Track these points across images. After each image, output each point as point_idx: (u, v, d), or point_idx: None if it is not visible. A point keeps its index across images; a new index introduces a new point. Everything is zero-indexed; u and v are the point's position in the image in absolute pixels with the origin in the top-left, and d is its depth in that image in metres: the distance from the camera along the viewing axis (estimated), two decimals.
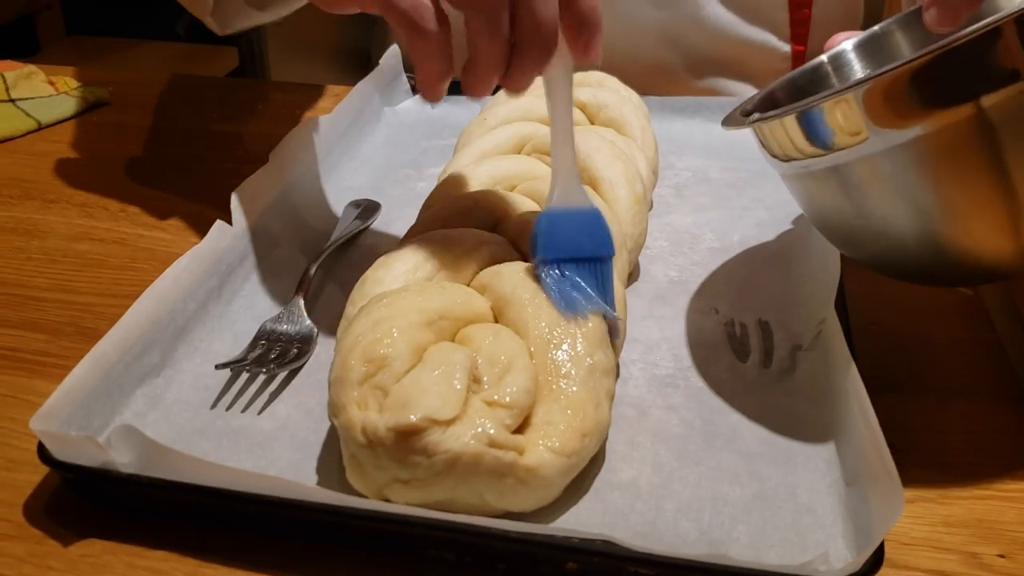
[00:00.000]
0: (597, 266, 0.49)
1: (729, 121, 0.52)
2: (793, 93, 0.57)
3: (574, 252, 0.49)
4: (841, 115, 0.44)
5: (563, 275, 0.48)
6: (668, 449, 0.47)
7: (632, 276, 0.62)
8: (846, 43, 0.59)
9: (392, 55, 0.88)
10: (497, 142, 0.66)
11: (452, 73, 0.48)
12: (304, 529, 0.42)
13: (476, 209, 0.56)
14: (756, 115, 0.49)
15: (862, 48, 0.59)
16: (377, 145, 0.81)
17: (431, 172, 0.75)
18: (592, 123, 0.71)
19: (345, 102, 0.78)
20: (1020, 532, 0.44)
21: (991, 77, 0.40)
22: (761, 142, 0.50)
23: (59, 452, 0.43)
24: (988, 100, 0.41)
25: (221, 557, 0.42)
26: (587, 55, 0.48)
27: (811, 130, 0.46)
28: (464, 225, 0.56)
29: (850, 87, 0.43)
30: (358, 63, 1.04)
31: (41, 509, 0.44)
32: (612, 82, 0.75)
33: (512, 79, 0.47)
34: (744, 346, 0.55)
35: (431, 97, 0.48)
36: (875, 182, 0.45)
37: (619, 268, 0.55)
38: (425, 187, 0.72)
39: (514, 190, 0.60)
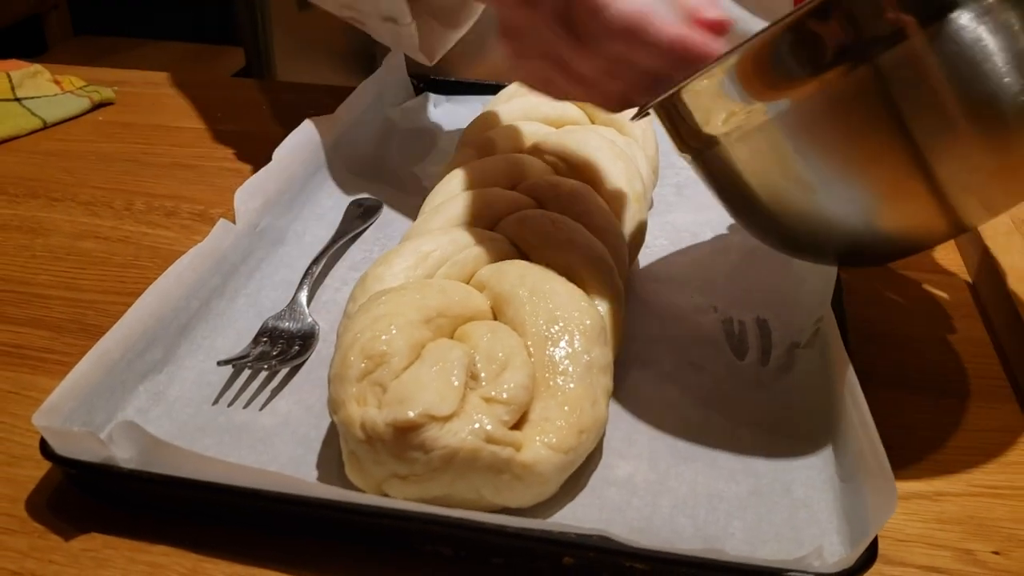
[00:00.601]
0: None
1: (635, 115, 0.51)
2: None
3: None
4: (720, 89, 0.43)
5: None
6: (665, 446, 0.48)
7: (632, 274, 0.62)
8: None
9: (395, 55, 0.88)
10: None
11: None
12: (303, 524, 0.43)
13: (477, 207, 0.57)
14: (641, 106, 0.49)
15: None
16: (380, 144, 0.81)
17: (433, 171, 0.76)
18: (593, 122, 0.71)
19: (348, 102, 0.79)
20: (1014, 529, 0.44)
21: (874, 31, 0.39)
22: (666, 130, 0.49)
23: (61, 447, 0.43)
24: (874, 53, 0.39)
25: (221, 552, 0.42)
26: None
27: (697, 109, 0.45)
28: (466, 223, 0.56)
29: (726, 55, 0.42)
30: (363, 63, 1.04)
31: (43, 504, 0.45)
32: None
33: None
34: (742, 344, 0.55)
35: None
36: (772, 155, 0.44)
37: (619, 265, 0.55)
38: (427, 185, 0.72)
39: (515, 189, 0.61)
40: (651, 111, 0.49)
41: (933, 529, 0.44)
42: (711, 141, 0.46)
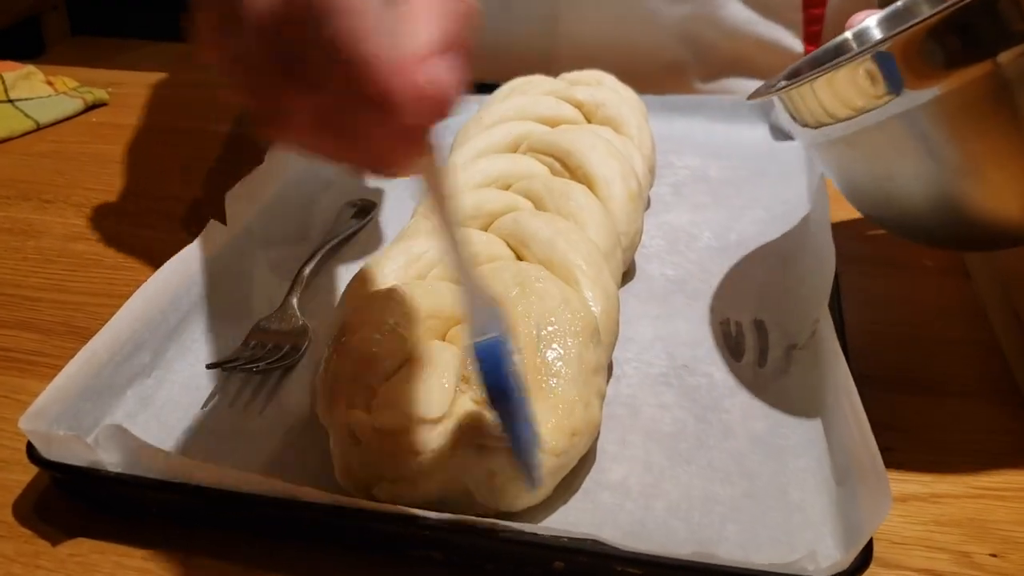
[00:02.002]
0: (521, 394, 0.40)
1: (756, 94, 0.52)
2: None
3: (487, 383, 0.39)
4: (863, 76, 0.44)
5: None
6: (659, 448, 0.47)
7: (628, 275, 0.61)
8: (869, 20, 0.58)
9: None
10: (492, 141, 0.66)
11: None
12: (292, 527, 0.42)
13: (471, 208, 0.56)
14: (783, 83, 0.49)
15: (887, 23, 0.58)
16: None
17: None
18: (589, 121, 0.70)
19: None
20: (1012, 531, 0.44)
21: (1007, 34, 0.40)
22: (789, 112, 0.50)
23: (47, 451, 0.43)
24: (1004, 57, 0.41)
25: (210, 556, 0.42)
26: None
27: (836, 94, 0.46)
28: (460, 225, 0.56)
29: (872, 46, 0.43)
30: None
31: (30, 509, 0.45)
32: (610, 80, 0.75)
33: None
34: (739, 345, 0.55)
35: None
36: (902, 143, 0.45)
37: (613, 267, 0.54)
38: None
39: (509, 189, 0.60)
40: (781, 99, 0.49)
41: (931, 531, 0.44)
42: (841, 127, 0.47)
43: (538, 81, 0.74)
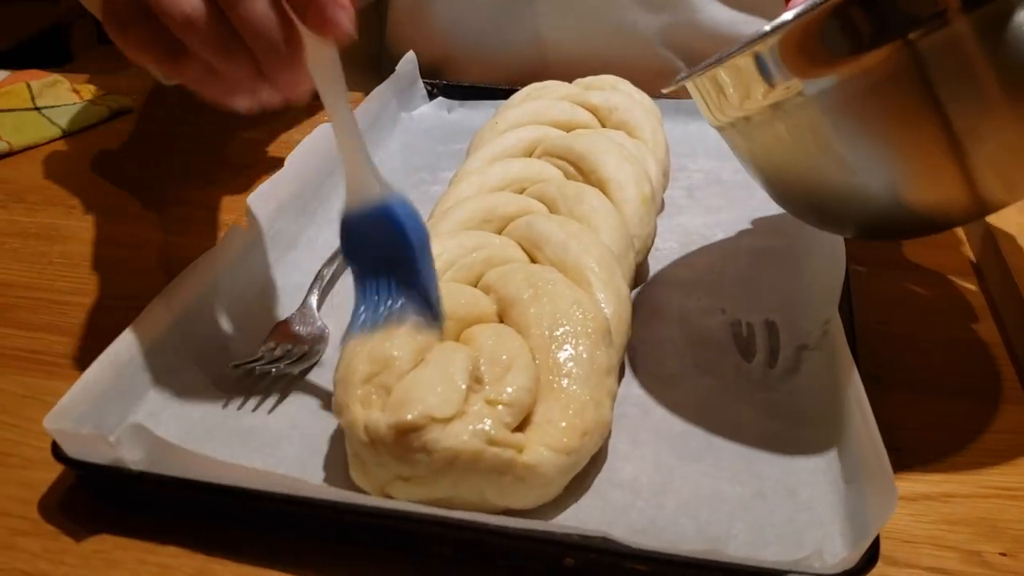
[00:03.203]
0: (419, 257, 0.47)
1: (669, 84, 0.52)
2: None
3: (380, 255, 0.47)
4: (765, 63, 0.44)
5: (376, 289, 0.47)
6: (670, 447, 0.48)
7: (641, 277, 0.62)
8: (789, 12, 0.59)
9: (409, 61, 0.89)
10: (507, 145, 0.66)
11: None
12: (308, 525, 0.43)
13: (486, 211, 0.57)
14: (683, 73, 0.49)
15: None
16: (393, 150, 0.82)
17: (445, 176, 0.76)
18: (604, 126, 0.71)
19: (362, 107, 0.79)
20: (1023, 530, 0.44)
21: (914, 13, 0.40)
22: (698, 99, 0.50)
23: (72, 450, 0.44)
24: (914, 36, 0.40)
25: (229, 552, 0.43)
26: (325, 29, 0.42)
27: (738, 82, 0.46)
28: (474, 227, 0.57)
29: (772, 31, 0.43)
30: (374, 67, 1.05)
31: (56, 506, 0.46)
32: (624, 85, 0.75)
33: (275, 87, 0.44)
34: (750, 346, 0.55)
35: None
36: (811, 131, 0.44)
37: (626, 269, 0.55)
38: (439, 191, 0.72)
39: (523, 193, 0.61)
40: (691, 87, 0.50)
41: (941, 530, 0.44)
42: (747, 115, 0.47)
43: (553, 86, 0.75)
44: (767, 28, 0.48)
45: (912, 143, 0.42)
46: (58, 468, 0.47)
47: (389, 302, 0.46)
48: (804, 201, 0.50)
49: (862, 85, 0.42)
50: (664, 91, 0.52)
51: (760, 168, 0.51)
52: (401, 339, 0.44)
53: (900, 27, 0.40)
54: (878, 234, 0.51)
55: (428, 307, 0.46)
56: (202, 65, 0.43)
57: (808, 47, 0.42)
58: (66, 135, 0.87)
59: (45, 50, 2.33)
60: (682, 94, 0.75)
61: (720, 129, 0.51)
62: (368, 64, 1.06)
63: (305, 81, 0.44)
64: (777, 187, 0.51)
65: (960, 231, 0.69)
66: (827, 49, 0.42)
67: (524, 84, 0.78)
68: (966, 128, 0.41)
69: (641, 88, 0.75)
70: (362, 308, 0.47)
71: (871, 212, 0.47)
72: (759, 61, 0.44)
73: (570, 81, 0.77)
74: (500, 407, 0.42)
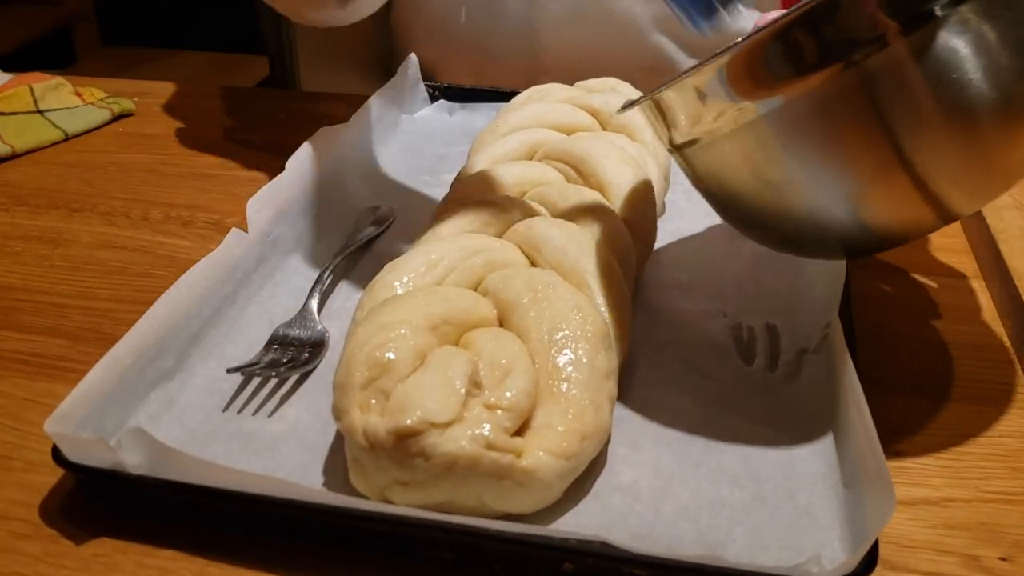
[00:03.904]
0: None
1: (624, 107, 0.52)
2: None
3: None
4: (711, 87, 0.44)
5: None
6: (669, 451, 0.48)
7: (640, 280, 0.62)
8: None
9: (411, 64, 0.89)
10: (508, 148, 0.67)
11: None
12: (308, 529, 0.43)
13: (486, 214, 0.57)
14: (629, 100, 0.50)
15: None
16: (394, 152, 0.82)
17: (446, 179, 0.76)
18: (604, 129, 0.71)
19: (363, 110, 0.79)
20: (1023, 535, 0.44)
21: (855, 37, 0.41)
22: (649, 121, 0.51)
23: (72, 454, 0.44)
24: (857, 58, 0.41)
25: (228, 556, 0.43)
26: None
27: (686, 105, 0.46)
28: (475, 230, 0.57)
29: (719, 55, 0.43)
30: (387, 72, 1.05)
31: (56, 509, 0.46)
32: (624, 87, 0.75)
33: None
34: (751, 350, 0.55)
35: None
36: (761, 152, 0.45)
37: (626, 272, 0.55)
38: (440, 193, 0.72)
39: (524, 195, 0.61)
40: (643, 110, 0.50)
41: (940, 535, 0.44)
42: (698, 138, 0.47)
43: (554, 89, 0.75)
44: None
45: (863, 161, 0.43)
46: (59, 472, 0.47)
47: None
48: (759, 224, 0.50)
49: (810, 105, 0.42)
50: (617, 112, 0.53)
51: (711, 192, 0.51)
52: (399, 343, 0.45)
53: (844, 49, 0.41)
54: (843, 252, 0.51)
55: None
56: None
57: (756, 69, 0.43)
58: (68, 138, 0.87)
59: (48, 52, 2.34)
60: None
61: (673, 152, 0.50)
62: (376, 67, 1.06)
63: None
64: (731, 210, 0.51)
65: (961, 234, 0.69)
66: (774, 71, 0.42)
67: (517, 75, 0.78)
68: (913, 145, 0.42)
69: (636, 83, 0.76)
70: None
71: (827, 232, 0.47)
72: (707, 84, 0.44)
73: (565, 75, 0.77)
74: (499, 412, 0.42)
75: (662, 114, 0.48)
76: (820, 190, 0.45)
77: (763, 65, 0.43)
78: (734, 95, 0.44)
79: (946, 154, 0.42)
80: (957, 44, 0.40)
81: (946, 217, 0.45)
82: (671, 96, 0.46)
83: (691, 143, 0.48)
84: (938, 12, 0.40)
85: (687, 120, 0.47)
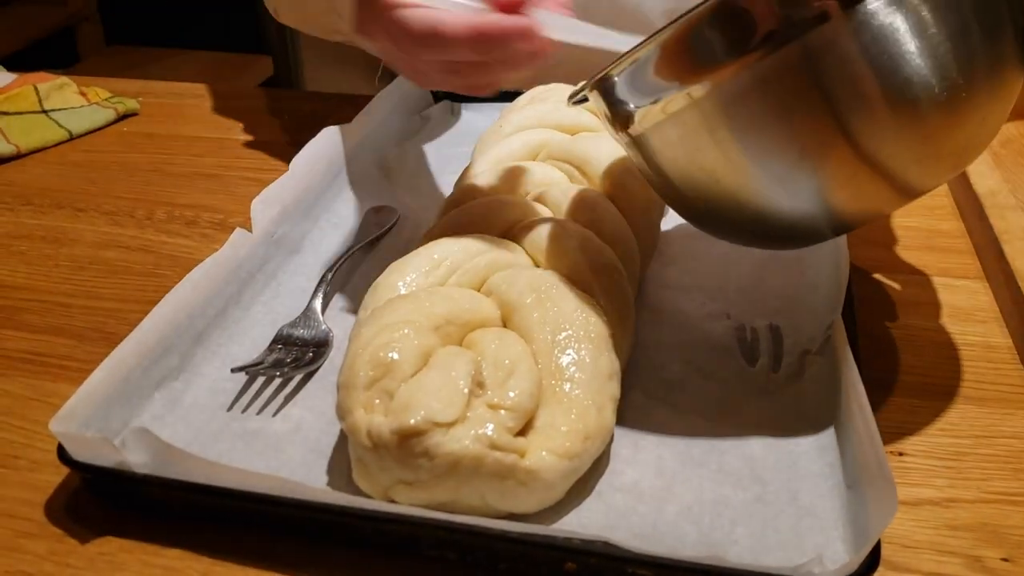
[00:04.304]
0: None
1: (572, 96, 0.53)
2: None
3: None
4: (647, 70, 0.44)
5: None
6: (672, 452, 0.48)
7: (644, 281, 0.62)
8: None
9: None
10: (511, 149, 0.67)
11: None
12: (312, 529, 0.43)
13: (490, 215, 0.57)
14: (580, 85, 0.50)
15: None
16: (397, 153, 0.82)
17: (450, 179, 0.76)
18: None
19: (367, 110, 0.80)
20: None
21: (798, 16, 0.40)
22: (595, 106, 0.50)
23: (77, 453, 0.44)
24: (799, 34, 0.40)
25: (233, 555, 0.43)
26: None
27: (623, 90, 0.46)
28: (478, 231, 0.57)
29: (648, 40, 0.43)
30: (390, 72, 1.05)
31: (61, 508, 0.46)
32: None
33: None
34: (754, 351, 0.55)
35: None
36: (697, 135, 0.44)
37: (629, 273, 0.55)
38: (443, 193, 0.73)
39: (528, 196, 0.61)
40: (589, 97, 0.49)
41: (943, 536, 0.44)
42: (642, 125, 0.46)
43: (558, 89, 0.75)
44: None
45: (809, 142, 0.42)
46: (64, 471, 0.47)
47: None
48: (702, 208, 0.49)
49: (752, 84, 0.41)
50: (568, 103, 0.55)
51: (656, 177, 0.49)
52: (403, 343, 0.45)
53: (784, 25, 0.40)
54: (801, 238, 0.50)
55: None
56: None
57: (695, 48, 0.42)
58: (73, 138, 0.87)
59: (53, 52, 2.34)
60: None
61: (625, 145, 0.50)
62: (380, 67, 1.06)
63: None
64: (676, 196, 0.50)
65: (965, 235, 0.69)
66: (713, 50, 0.42)
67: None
68: (857, 124, 0.41)
69: None
70: None
71: (793, 217, 0.46)
72: (646, 67, 0.44)
73: (571, 71, 0.77)
74: (502, 412, 0.43)
75: (605, 103, 0.48)
76: (769, 172, 0.44)
77: (703, 44, 0.42)
78: (673, 77, 0.43)
79: (891, 132, 0.41)
80: (895, 20, 0.40)
81: (907, 193, 0.45)
82: (610, 85, 0.46)
83: (637, 131, 0.47)
84: None
85: (629, 107, 0.46)
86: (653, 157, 0.48)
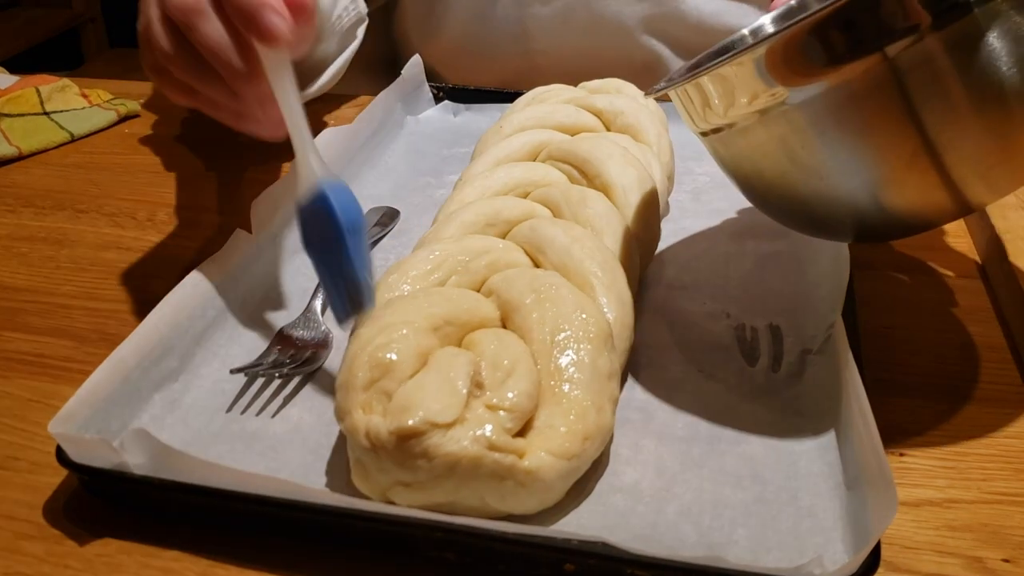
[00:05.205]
0: (344, 243, 0.50)
1: (651, 92, 0.54)
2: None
3: (320, 235, 0.51)
4: (748, 75, 0.45)
5: (322, 265, 0.51)
6: (672, 452, 0.48)
7: (644, 281, 0.62)
8: (765, 17, 0.61)
9: (415, 64, 0.89)
10: (511, 149, 0.67)
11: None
12: (311, 530, 0.43)
13: (490, 215, 0.57)
14: (663, 82, 0.51)
15: (781, 19, 0.60)
16: (398, 153, 0.82)
17: (450, 180, 0.76)
18: (608, 130, 0.71)
19: (367, 111, 0.80)
20: None
21: (891, 28, 0.42)
22: (680, 106, 0.51)
23: (76, 454, 0.44)
24: (892, 50, 0.42)
25: (231, 557, 0.43)
26: (266, 38, 0.49)
27: (719, 93, 0.47)
28: (478, 231, 0.57)
29: (757, 44, 0.44)
30: (393, 73, 1.05)
31: (60, 510, 0.46)
32: (629, 89, 0.75)
33: (246, 103, 0.53)
34: (754, 350, 0.55)
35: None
36: (792, 139, 0.46)
37: (629, 273, 0.55)
38: (444, 194, 0.72)
39: (527, 196, 0.61)
40: (675, 92, 0.51)
41: (943, 536, 0.44)
42: (732, 123, 0.48)
43: (557, 90, 0.75)
44: (746, 32, 0.53)
45: (890, 150, 0.44)
46: (63, 472, 0.47)
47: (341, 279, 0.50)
48: (784, 206, 0.51)
49: (843, 95, 0.43)
50: (645, 95, 0.54)
51: (742, 174, 0.52)
52: (401, 344, 0.45)
53: (878, 41, 0.42)
54: (864, 236, 0.52)
55: (357, 291, 0.49)
56: (200, 94, 0.53)
57: (792, 58, 0.44)
58: (75, 139, 0.87)
59: (55, 54, 2.35)
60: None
61: (702, 135, 0.52)
62: (381, 67, 1.07)
63: (269, 95, 0.51)
64: (758, 192, 0.52)
65: (966, 234, 0.69)
66: (810, 60, 0.43)
67: (511, 76, 0.78)
68: (941, 136, 0.43)
69: (627, 81, 0.76)
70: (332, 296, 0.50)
71: (853, 216, 0.48)
72: (745, 71, 0.45)
73: (559, 76, 0.78)
74: (501, 412, 0.43)
75: (696, 99, 0.49)
76: (848, 177, 0.46)
77: (800, 54, 0.43)
78: (771, 82, 0.45)
79: (974, 146, 0.43)
80: (990, 36, 0.41)
81: (965, 209, 0.47)
82: (707, 82, 0.47)
83: (724, 128, 0.49)
84: (973, 5, 0.41)
85: (721, 105, 0.48)
86: (733, 153, 0.50)
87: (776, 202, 0.51)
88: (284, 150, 0.83)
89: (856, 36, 0.42)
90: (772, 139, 0.47)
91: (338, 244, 0.49)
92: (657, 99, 0.54)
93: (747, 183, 0.52)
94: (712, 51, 0.59)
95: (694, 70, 0.50)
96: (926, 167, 0.44)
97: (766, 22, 0.60)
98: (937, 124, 0.43)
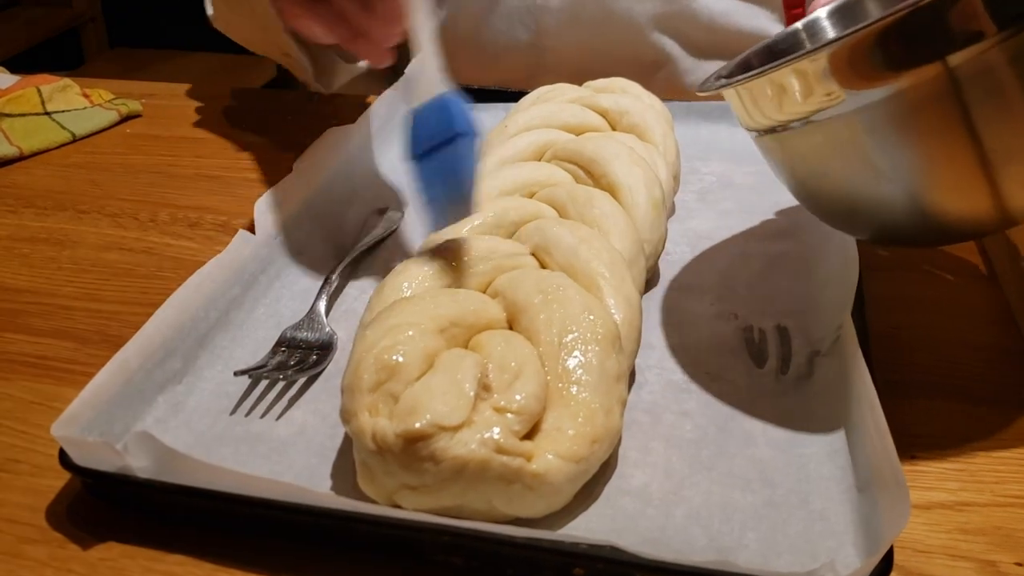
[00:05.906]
0: (457, 145, 0.52)
1: (704, 88, 0.54)
2: (768, 59, 0.58)
3: (432, 140, 0.53)
4: (810, 77, 0.45)
5: (428, 170, 0.53)
6: (680, 455, 0.47)
7: (651, 282, 0.61)
8: (820, 11, 0.60)
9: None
10: (517, 149, 0.66)
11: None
12: (316, 533, 0.43)
13: (496, 216, 0.57)
14: (723, 80, 0.51)
15: (836, 15, 0.60)
16: (401, 154, 0.81)
17: None
18: (614, 129, 0.71)
19: (370, 111, 0.79)
20: None
21: (955, 37, 0.42)
22: (737, 105, 0.51)
23: (79, 457, 0.44)
24: (954, 59, 0.42)
25: (235, 561, 0.43)
26: None
27: (781, 92, 0.47)
28: (484, 232, 0.56)
29: (821, 47, 0.44)
30: (395, 72, 1.05)
31: (63, 513, 0.46)
32: (635, 88, 0.75)
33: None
34: (762, 352, 0.55)
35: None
36: (850, 143, 0.46)
37: (636, 274, 0.55)
38: None
39: (533, 196, 0.61)
40: (730, 92, 0.51)
41: (956, 540, 0.44)
42: (786, 123, 0.48)
43: (563, 89, 0.75)
44: (800, 26, 0.55)
45: (945, 159, 0.44)
46: (65, 475, 0.46)
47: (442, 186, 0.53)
48: (835, 208, 0.52)
49: (903, 102, 0.44)
50: (699, 92, 0.54)
51: (795, 174, 0.52)
52: (408, 346, 0.44)
53: (940, 51, 0.42)
54: (908, 241, 0.53)
55: (462, 194, 0.52)
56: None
57: (854, 64, 0.44)
58: (76, 139, 0.87)
59: (56, 53, 2.35)
60: (688, 95, 0.76)
61: (756, 133, 0.52)
62: (395, 71, 1.06)
63: (398, 13, 0.59)
64: (810, 193, 0.53)
65: None
66: (872, 67, 0.44)
67: (518, 74, 0.78)
68: (997, 147, 0.43)
69: (636, 79, 0.75)
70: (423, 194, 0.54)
71: (900, 221, 0.48)
72: (807, 74, 0.45)
73: (567, 74, 0.77)
74: (509, 415, 0.42)
75: (753, 98, 0.49)
76: (899, 183, 0.46)
77: (864, 60, 0.44)
78: (832, 86, 0.45)
79: None
80: None
81: (1008, 222, 0.47)
82: (768, 82, 0.47)
83: (779, 128, 0.49)
84: None
85: (779, 106, 0.48)
86: (786, 154, 0.51)
87: (827, 203, 0.52)
88: (286, 150, 0.83)
89: (920, 43, 0.42)
90: (828, 141, 0.47)
91: (452, 147, 0.52)
92: (707, 96, 0.54)
93: (800, 183, 0.52)
94: (756, 50, 0.59)
95: (745, 69, 0.51)
96: (976, 177, 0.44)
97: (822, 16, 0.60)
98: (994, 136, 0.43)
